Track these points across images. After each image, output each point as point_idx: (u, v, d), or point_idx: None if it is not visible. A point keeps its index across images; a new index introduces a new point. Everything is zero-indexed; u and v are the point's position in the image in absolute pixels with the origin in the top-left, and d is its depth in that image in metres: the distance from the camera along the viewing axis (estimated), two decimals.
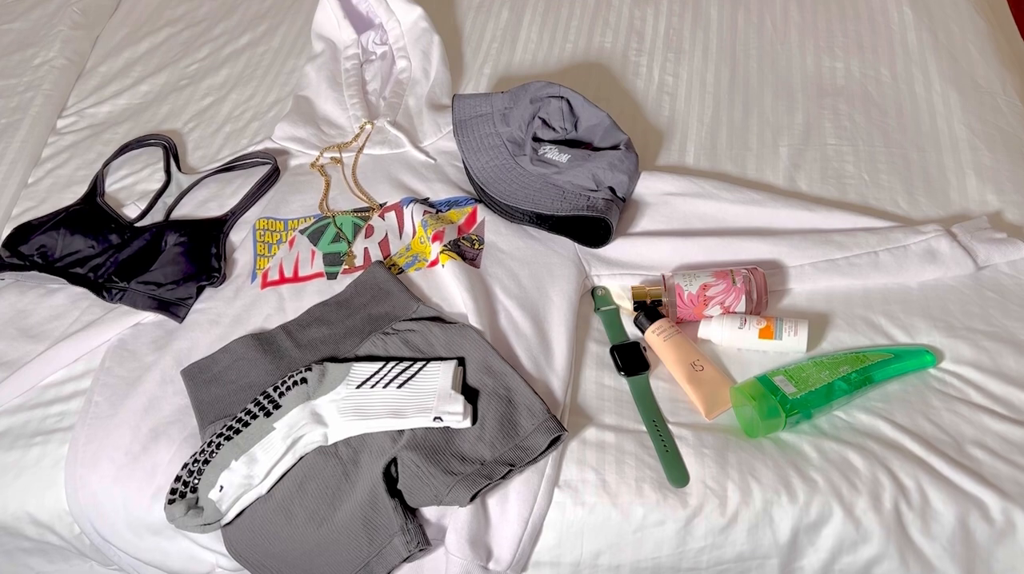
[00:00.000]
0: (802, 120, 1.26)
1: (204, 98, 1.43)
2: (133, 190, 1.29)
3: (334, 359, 1.03)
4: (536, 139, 1.19)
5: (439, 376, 0.97)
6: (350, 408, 0.96)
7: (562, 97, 1.21)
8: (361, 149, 1.29)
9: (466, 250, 1.13)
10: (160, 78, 1.48)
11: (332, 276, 1.14)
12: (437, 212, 1.18)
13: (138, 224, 1.22)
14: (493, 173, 1.18)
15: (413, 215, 1.18)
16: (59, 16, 1.57)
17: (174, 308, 1.11)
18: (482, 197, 1.18)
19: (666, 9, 1.47)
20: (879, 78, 1.30)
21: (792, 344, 0.99)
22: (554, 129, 1.20)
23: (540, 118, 1.21)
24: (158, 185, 1.28)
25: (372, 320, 1.07)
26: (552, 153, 1.17)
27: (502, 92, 1.26)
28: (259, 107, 1.41)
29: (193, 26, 1.58)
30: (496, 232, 1.15)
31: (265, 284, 1.14)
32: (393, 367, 0.99)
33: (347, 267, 1.14)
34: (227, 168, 1.29)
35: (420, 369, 0.98)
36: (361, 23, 1.45)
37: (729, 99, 1.30)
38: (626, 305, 1.07)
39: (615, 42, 1.43)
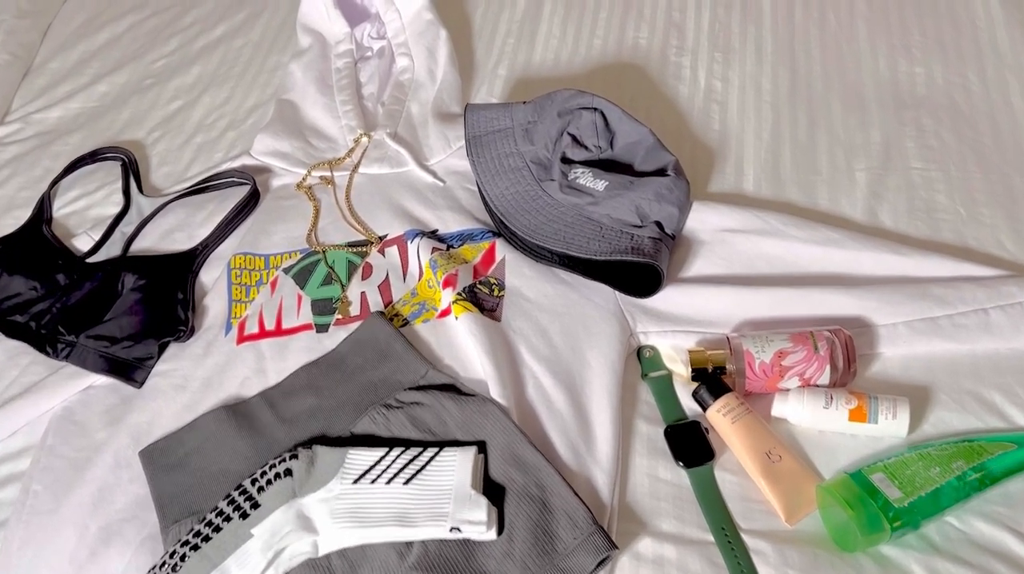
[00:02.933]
0: (880, 138, 1.06)
1: (171, 102, 1.23)
2: (85, 216, 1.08)
3: (325, 440, 0.84)
4: (565, 160, 1.00)
5: (455, 469, 0.79)
6: (345, 511, 0.78)
7: (595, 109, 1.02)
8: (356, 167, 1.10)
9: (484, 298, 0.94)
10: (120, 76, 1.27)
11: (323, 328, 0.94)
12: (448, 248, 0.99)
13: (90, 260, 1.02)
14: (515, 202, 0.99)
15: (419, 252, 0.98)
16: (1, 2, 1.36)
17: (132, 371, 0.91)
18: (502, 231, 0.99)
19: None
20: (967, 86, 1.10)
21: (889, 428, 0.80)
22: (586, 147, 1.01)
23: (570, 134, 1.01)
24: (115, 210, 1.08)
25: (371, 388, 0.88)
26: (586, 178, 0.97)
27: (523, 102, 1.06)
28: (236, 113, 1.21)
29: (160, 13, 1.37)
30: (519, 274, 0.96)
31: (242, 339, 0.95)
32: (398, 456, 0.80)
33: (341, 317, 0.95)
34: (197, 190, 1.09)
35: (431, 458, 0.80)
36: (355, 14, 1.24)
37: (791, 109, 1.10)
38: (680, 370, 0.88)
39: (651, 38, 1.22)
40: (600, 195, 0.95)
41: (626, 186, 0.95)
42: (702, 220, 0.96)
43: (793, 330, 0.86)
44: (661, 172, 0.98)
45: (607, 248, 0.91)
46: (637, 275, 0.92)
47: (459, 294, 0.92)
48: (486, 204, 1.00)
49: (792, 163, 1.04)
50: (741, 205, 0.97)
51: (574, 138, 1.01)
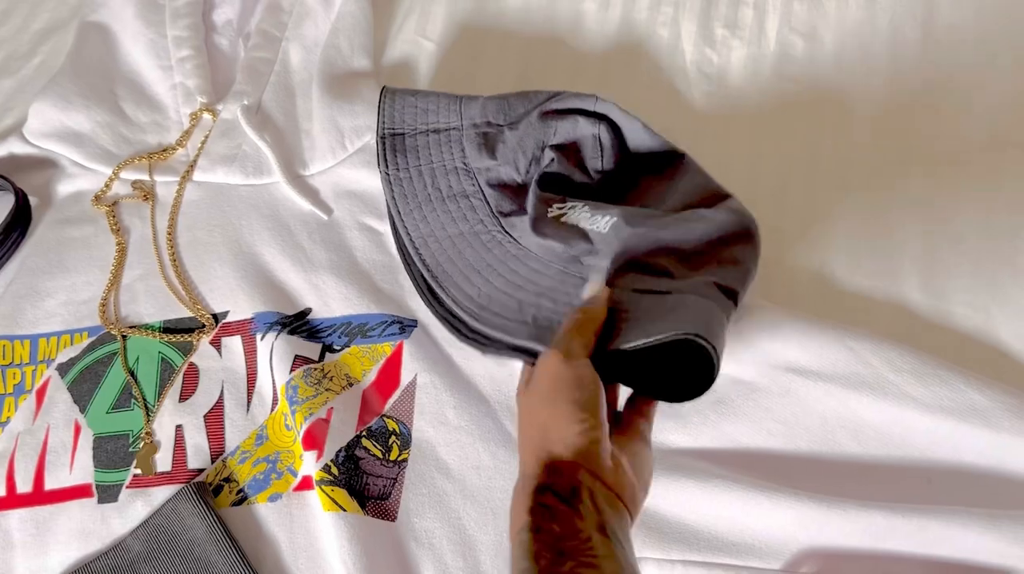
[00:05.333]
0: None
1: None
2: None
3: None
4: (546, 181, 0.58)
5: None
6: None
7: (599, 116, 0.59)
8: (191, 170, 0.67)
9: (371, 470, 0.56)
10: None
11: (109, 494, 0.57)
12: (323, 355, 0.60)
13: None
14: (455, 250, 0.58)
15: (272, 360, 0.59)
16: None
17: None
18: (428, 303, 0.58)
19: None
20: None
21: None
22: (581, 172, 0.59)
23: (555, 148, 0.59)
24: None
25: None
26: (578, 213, 0.56)
27: (486, 97, 0.63)
28: (14, 42, 0.76)
29: None
30: (437, 417, 0.57)
31: None
32: None
33: (140, 473, 0.58)
34: None
35: None
36: None
37: (911, 98, 0.64)
38: None
39: None
40: (602, 240, 0.54)
41: (648, 220, 0.54)
42: (752, 345, 0.56)
43: None
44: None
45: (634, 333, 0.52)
46: (661, 364, 0.53)
47: (327, 468, 0.55)
48: (402, 252, 0.60)
49: (918, 211, 0.61)
50: (823, 316, 0.56)
51: (561, 153, 0.59)
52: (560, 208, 0.57)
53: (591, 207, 0.56)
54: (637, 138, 0.59)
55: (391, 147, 0.63)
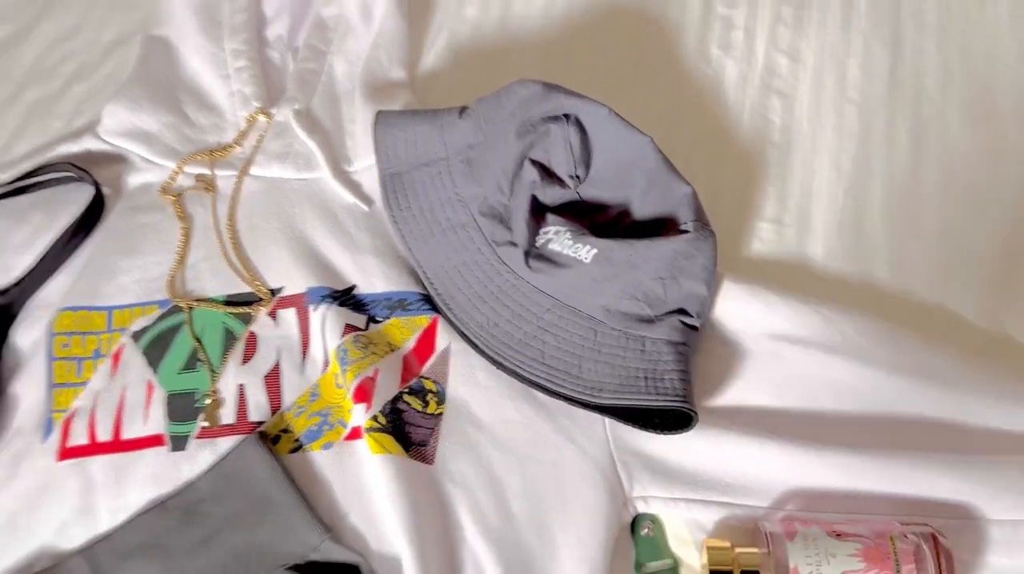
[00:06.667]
0: (1015, 178, 0.72)
1: None
2: None
3: None
4: (536, 209, 0.66)
5: None
6: None
7: (567, 117, 0.67)
8: (248, 166, 0.76)
9: (412, 421, 0.64)
10: None
11: (180, 443, 0.65)
12: (368, 324, 0.68)
13: None
14: (461, 279, 0.66)
15: (325, 329, 0.68)
16: None
17: None
18: (448, 320, 0.67)
19: None
20: None
21: None
22: (561, 181, 0.67)
23: (534, 163, 0.66)
24: None
25: (241, 559, 0.60)
26: (562, 241, 0.64)
27: (458, 111, 0.71)
28: (87, 52, 0.84)
29: None
30: (469, 379, 0.65)
31: (65, 452, 0.65)
32: None
33: (207, 425, 0.66)
34: (16, 188, 0.76)
35: None
36: None
37: (888, 117, 0.75)
38: (691, 558, 0.61)
39: None
40: (587, 271, 0.63)
41: (627, 257, 0.62)
42: (744, 316, 0.65)
43: (863, 518, 0.58)
44: (669, 220, 0.65)
45: (608, 375, 0.60)
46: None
47: (375, 418, 0.63)
48: (425, 276, 0.68)
49: (884, 213, 0.71)
50: (803, 291, 0.65)
51: (542, 167, 0.66)
52: (545, 234, 0.65)
53: (572, 234, 0.64)
54: (599, 127, 0.66)
55: (392, 188, 0.70)
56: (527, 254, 0.64)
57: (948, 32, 0.78)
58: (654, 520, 0.61)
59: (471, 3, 0.84)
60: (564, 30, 0.82)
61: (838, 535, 0.57)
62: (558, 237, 0.64)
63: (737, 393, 0.63)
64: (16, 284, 0.71)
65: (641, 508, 0.61)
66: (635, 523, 0.62)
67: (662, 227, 0.65)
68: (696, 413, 0.59)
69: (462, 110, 0.70)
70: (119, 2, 0.87)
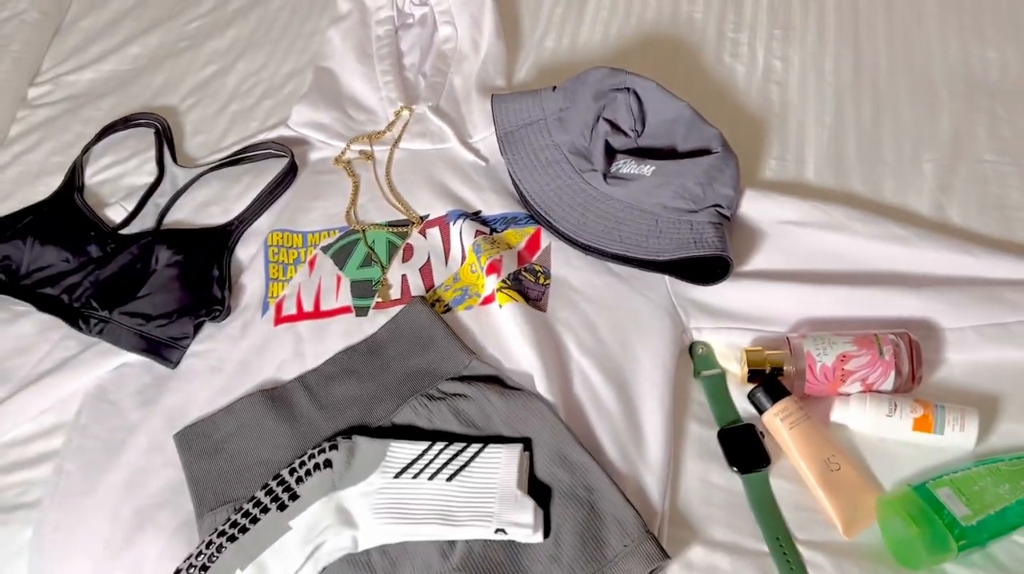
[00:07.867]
0: (948, 127, 1.01)
1: (206, 66, 1.19)
2: (118, 184, 1.05)
3: (365, 430, 0.82)
4: (609, 149, 0.95)
5: (500, 467, 0.76)
6: (386, 506, 0.75)
7: (628, 89, 0.96)
8: (397, 142, 1.06)
9: (529, 287, 0.90)
10: (153, 37, 1.23)
11: (362, 311, 0.91)
12: (492, 232, 0.95)
13: (123, 231, 1.00)
14: (557, 197, 0.93)
15: (462, 234, 0.95)
16: None
17: (166, 350, 0.89)
18: (547, 229, 0.94)
19: None
20: None
21: (956, 440, 0.77)
22: (625, 133, 0.96)
23: (607, 120, 0.96)
24: (149, 179, 1.04)
25: (412, 377, 0.85)
26: (629, 166, 0.92)
27: (552, 88, 1.00)
28: (272, 80, 1.17)
29: None
30: (566, 263, 0.92)
31: (279, 320, 0.92)
32: (441, 450, 0.77)
33: (380, 300, 0.92)
34: (233, 161, 1.05)
35: (476, 455, 0.77)
36: None
37: (854, 94, 1.05)
38: (733, 368, 0.85)
39: (707, 12, 1.17)
40: (648, 182, 0.91)
41: (673, 170, 0.90)
42: (762, 211, 0.92)
43: (856, 331, 0.82)
44: (705, 151, 0.93)
45: (668, 244, 0.87)
46: (695, 261, 0.88)
47: (503, 282, 0.89)
48: (526, 202, 0.95)
49: (856, 152, 0.99)
50: (803, 195, 0.92)
51: (612, 123, 0.96)
52: (616, 164, 0.94)
53: (635, 160, 0.93)
54: (650, 96, 0.95)
55: (506, 141, 0.99)
56: (605, 175, 0.92)
57: (895, 38, 1.10)
58: (705, 344, 0.86)
59: (549, 36, 1.17)
60: (617, 52, 1.14)
61: (838, 336, 0.81)
62: (626, 164, 0.92)
63: (758, 259, 0.90)
64: (235, 220, 0.99)
65: (695, 336, 0.86)
66: (692, 346, 0.86)
67: (700, 156, 0.94)
68: (732, 260, 0.84)
69: (554, 88, 1.00)
70: (294, 46, 1.21)
